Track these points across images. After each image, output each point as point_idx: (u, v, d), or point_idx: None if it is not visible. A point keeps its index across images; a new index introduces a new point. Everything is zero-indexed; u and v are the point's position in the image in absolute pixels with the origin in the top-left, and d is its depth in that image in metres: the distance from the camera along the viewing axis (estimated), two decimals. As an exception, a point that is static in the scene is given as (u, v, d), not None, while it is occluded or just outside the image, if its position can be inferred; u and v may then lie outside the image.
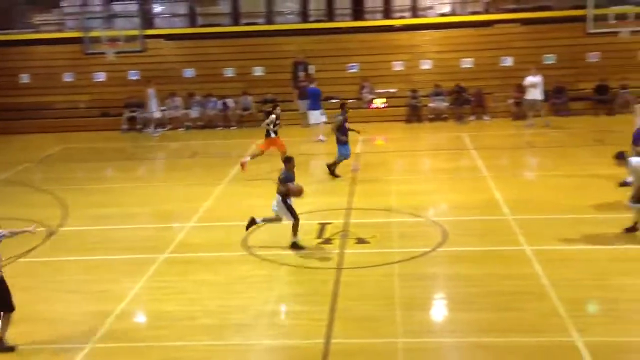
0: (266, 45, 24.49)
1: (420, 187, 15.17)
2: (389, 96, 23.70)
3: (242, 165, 16.77)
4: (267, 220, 11.75)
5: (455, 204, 13.92)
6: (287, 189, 11.28)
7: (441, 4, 25.23)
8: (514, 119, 22.32)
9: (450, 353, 8.32)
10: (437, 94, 23.16)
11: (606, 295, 9.42)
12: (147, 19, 25.58)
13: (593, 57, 23.08)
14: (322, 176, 16.45)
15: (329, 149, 18.92)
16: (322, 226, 12.41)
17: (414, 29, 24.28)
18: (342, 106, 16.61)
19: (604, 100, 22.19)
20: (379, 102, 23.48)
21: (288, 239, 11.48)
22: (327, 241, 11.79)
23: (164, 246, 11.90)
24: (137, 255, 11.63)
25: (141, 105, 23.79)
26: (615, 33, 20.40)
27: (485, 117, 22.81)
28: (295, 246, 11.42)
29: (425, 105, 23.16)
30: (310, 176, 16.55)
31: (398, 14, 25.10)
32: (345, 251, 11.33)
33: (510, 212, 12.99)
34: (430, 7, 25.29)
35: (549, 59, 23.05)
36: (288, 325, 9.18)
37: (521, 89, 22.16)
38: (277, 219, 11.56)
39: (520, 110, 22.26)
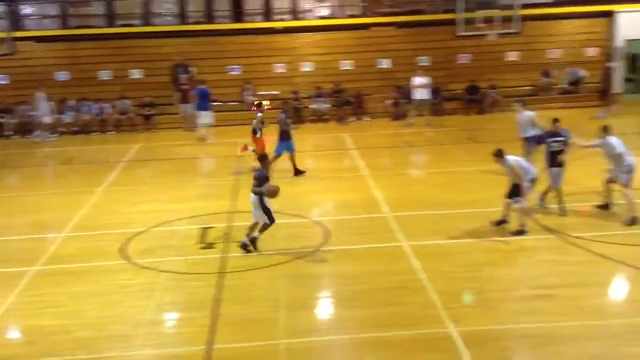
0: (144, 47, 23.90)
1: (304, 188, 15.27)
2: (271, 98, 23.72)
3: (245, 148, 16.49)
4: (252, 236, 11.32)
5: (338, 204, 14.15)
6: (265, 190, 11.05)
7: (320, 6, 25.56)
8: (392, 119, 22.96)
9: (335, 350, 8.42)
10: (319, 96, 23.45)
11: (478, 286, 9.86)
12: (16, 21, 24.29)
13: (463, 58, 24.14)
14: (205, 179, 16.25)
15: (213, 151, 18.76)
16: (204, 231, 12.24)
17: (294, 32, 24.46)
18: (284, 104, 16.66)
19: (475, 100, 23.26)
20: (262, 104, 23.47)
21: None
22: (209, 246, 11.63)
23: (36, 258, 11.33)
24: (7, 268, 10.99)
25: (10, 110, 22.59)
26: (483, 36, 21.42)
27: (365, 118, 23.31)
28: (253, 243, 11.18)
29: (307, 107, 23.38)
30: (193, 180, 16.31)
31: (278, 17, 25.21)
32: (229, 255, 11.22)
33: (390, 209, 13.34)
34: (310, 10, 25.56)
35: (423, 60, 23.90)
36: (169, 334, 8.98)
37: (399, 90, 22.86)
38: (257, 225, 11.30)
39: (398, 111, 22.93)
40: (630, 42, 24.36)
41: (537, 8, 23.81)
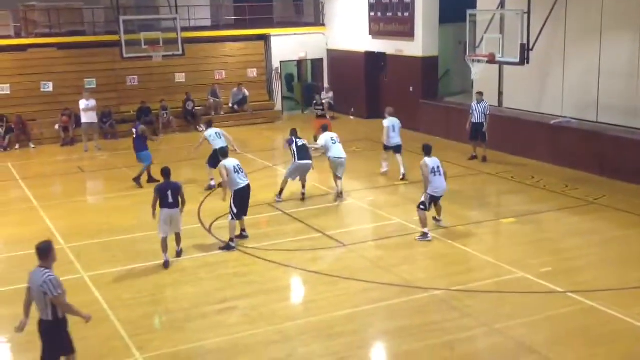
0: None
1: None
2: None
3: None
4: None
5: (6, 240, 13.05)
6: None
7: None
8: (62, 144, 21.85)
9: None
10: (-27, 123, 21.30)
11: (162, 308, 9.91)
12: None
13: (132, 80, 23.99)
14: None
15: None
16: None
17: None
18: None
19: (147, 122, 23.17)
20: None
21: None
22: None
23: None
24: None
25: None
26: (148, 57, 21.47)
27: (31, 145, 21.80)
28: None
29: (-39, 136, 21.11)
30: None
31: None
32: None
33: (65, 240, 12.72)
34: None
35: (90, 83, 23.19)
36: None
37: (67, 113, 21.86)
38: None
39: (68, 136, 21.91)
40: (284, 63, 26.59)
41: (197, 31, 24.67)
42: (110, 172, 18.30)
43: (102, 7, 24.03)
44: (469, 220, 13.40)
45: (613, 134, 16.25)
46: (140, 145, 16.24)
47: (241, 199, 12.05)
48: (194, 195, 14.86)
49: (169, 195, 11.22)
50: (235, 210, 11.96)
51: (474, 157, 17.91)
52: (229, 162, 12.09)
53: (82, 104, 20.81)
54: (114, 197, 15.95)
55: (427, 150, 12.35)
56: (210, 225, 13.31)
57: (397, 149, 16.23)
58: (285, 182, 14.65)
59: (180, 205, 11.38)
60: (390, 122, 16.19)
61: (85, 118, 20.90)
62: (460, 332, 8.90)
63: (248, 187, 12.13)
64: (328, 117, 22.34)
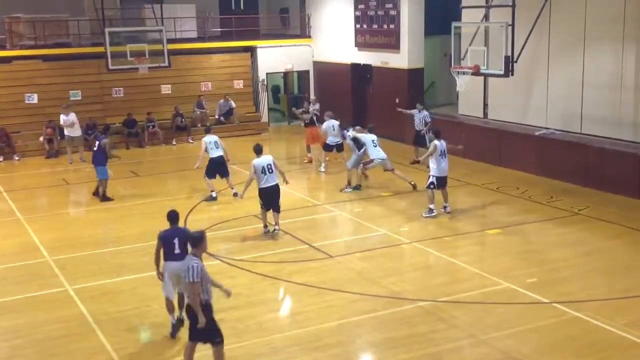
0: None
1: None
2: None
3: None
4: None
5: (-11, 253, 12.93)
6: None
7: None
8: (46, 156, 21.72)
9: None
10: (-46, 135, 21.12)
11: (147, 321, 9.83)
12: None
13: (118, 92, 23.90)
14: None
15: None
16: None
17: None
18: None
19: (134, 134, 23.15)
20: None
21: None
22: None
23: None
24: None
25: None
26: (134, 69, 21.41)
27: (16, 157, 21.65)
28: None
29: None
30: None
31: None
32: None
33: (49, 253, 12.64)
34: None
35: (75, 95, 23.11)
36: None
37: (52, 125, 21.76)
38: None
39: (52, 148, 21.78)
40: (270, 75, 26.62)
41: (184, 43, 24.63)
42: (95, 184, 18.14)
43: (87, 19, 23.96)
44: (455, 231, 13.45)
45: (597, 145, 16.38)
46: (99, 158, 16.08)
47: (264, 196, 12.83)
48: (181, 205, 14.78)
49: (175, 245, 8.94)
50: (261, 202, 13.01)
51: (416, 162, 18.11)
52: (259, 162, 12.73)
53: (62, 119, 20.86)
54: (98, 209, 15.86)
55: (438, 134, 14.20)
56: (197, 237, 13.25)
57: (338, 148, 18.11)
58: (365, 170, 16.53)
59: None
60: (329, 123, 18.00)
61: (67, 132, 20.90)
62: (447, 343, 8.91)
63: (275, 187, 12.82)
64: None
